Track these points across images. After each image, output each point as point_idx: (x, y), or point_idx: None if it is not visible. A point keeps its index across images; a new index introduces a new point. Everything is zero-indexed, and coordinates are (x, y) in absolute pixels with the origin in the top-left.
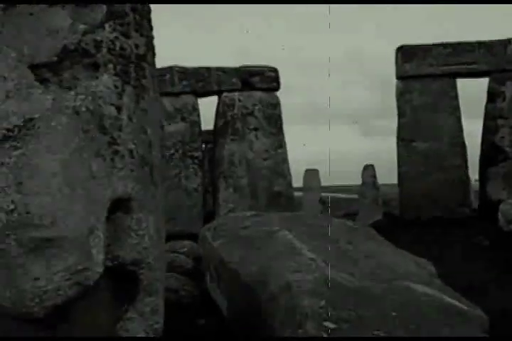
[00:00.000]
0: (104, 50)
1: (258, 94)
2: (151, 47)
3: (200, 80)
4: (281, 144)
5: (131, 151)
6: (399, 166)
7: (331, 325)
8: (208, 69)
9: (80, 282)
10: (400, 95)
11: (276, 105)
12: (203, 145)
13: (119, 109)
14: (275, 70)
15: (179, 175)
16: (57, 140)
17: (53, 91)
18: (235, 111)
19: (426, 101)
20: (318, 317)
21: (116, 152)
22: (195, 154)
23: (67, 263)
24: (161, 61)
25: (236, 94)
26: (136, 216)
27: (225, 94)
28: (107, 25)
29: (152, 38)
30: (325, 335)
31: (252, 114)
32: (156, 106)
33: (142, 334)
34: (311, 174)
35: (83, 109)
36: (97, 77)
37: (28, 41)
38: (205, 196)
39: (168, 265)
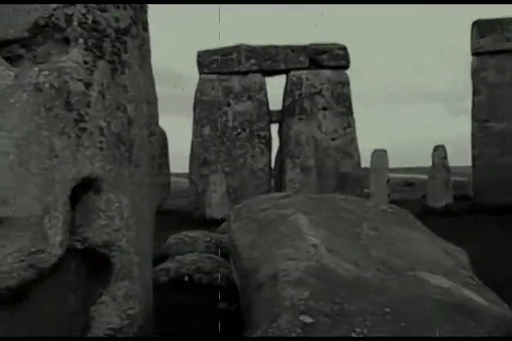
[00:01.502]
0: (75, 23)
1: (326, 72)
2: (138, 21)
3: (268, 59)
4: (350, 124)
5: (101, 129)
6: (473, 147)
7: (308, 319)
8: (276, 47)
9: (34, 264)
10: (475, 72)
11: (345, 84)
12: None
13: (88, 84)
14: (344, 48)
15: (245, 154)
16: (14, 117)
17: (18, 67)
18: (303, 90)
19: (502, 79)
20: (296, 310)
21: (83, 129)
22: (262, 134)
23: (20, 244)
24: (228, 39)
25: (304, 72)
26: (105, 196)
27: (292, 72)
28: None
29: (141, 10)
30: (298, 331)
31: (319, 93)
32: (142, 82)
33: (115, 319)
34: (380, 155)
35: (46, 85)
36: (67, 52)
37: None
38: (271, 175)
39: (215, 246)
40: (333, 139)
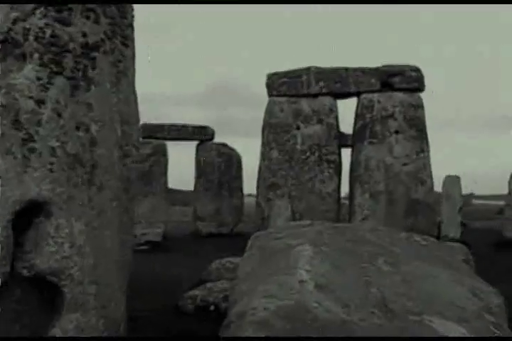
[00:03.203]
0: (31, 38)
1: (399, 95)
2: (114, 36)
3: (338, 81)
4: (423, 148)
5: (53, 149)
6: None
7: None
8: (346, 69)
9: None
10: None
11: (418, 106)
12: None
13: (40, 102)
14: (417, 69)
15: (314, 178)
16: None
17: None
18: (374, 113)
19: None
20: None
21: (32, 150)
22: (331, 158)
23: None
24: (298, 61)
25: (375, 95)
26: (56, 221)
27: (363, 95)
28: (37, 12)
29: (121, 24)
30: None
31: (392, 116)
32: (114, 101)
33: None
34: (452, 181)
35: None
36: (22, 69)
37: None
38: (339, 201)
39: None
40: (405, 164)
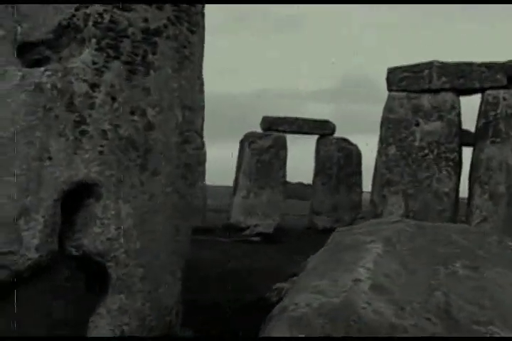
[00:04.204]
0: (90, 24)
1: None
2: (179, 22)
3: (461, 76)
4: None
5: (104, 132)
6: None
7: None
8: (470, 64)
9: (6, 265)
10: None
11: None
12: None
13: (94, 86)
14: None
15: (431, 177)
16: (6, 118)
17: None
18: (499, 110)
19: None
20: None
21: (84, 132)
22: (451, 156)
23: None
24: (421, 56)
25: (501, 91)
26: (103, 203)
27: (488, 91)
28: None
29: (189, 11)
30: None
31: None
32: (175, 86)
33: (108, 333)
34: None
35: (48, 85)
36: (81, 53)
37: (23, 18)
38: (457, 201)
39: None
40: None
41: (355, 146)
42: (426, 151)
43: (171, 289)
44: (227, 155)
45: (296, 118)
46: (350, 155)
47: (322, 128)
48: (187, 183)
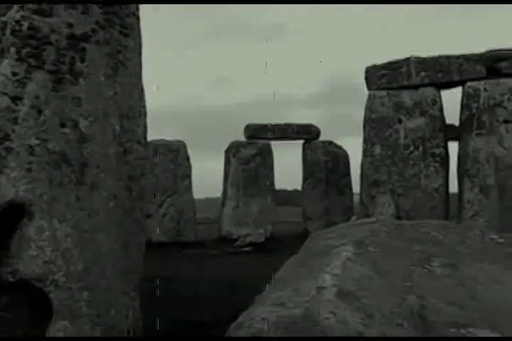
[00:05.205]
0: (8, 32)
1: (507, 81)
2: (110, 25)
3: (440, 70)
4: None
5: (31, 148)
6: None
7: None
8: (448, 57)
9: None
10: None
11: None
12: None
13: (16, 98)
14: None
15: (419, 174)
16: None
17: None
18: (481, 102)
19: None
20: None
21: (8, 149)
22: (437, 151)
23: None
24: (398, 52)
25: (481, 83)
26: (37, 224)
27: (468, 83)
28: (15, 5)
29: (120, 13)
30: None
31: (500, 104)
32: (110, 94)
33: None
34: None
35: None
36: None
37: None
38: (448, 197)
39: None
40: None
41: (342, 149)
42: (411, 148)
43: (125, 310)
44: (216, 166)
45: (279, 124)
46: (338, 157)
47: (307, 133)
48: (132, 196)
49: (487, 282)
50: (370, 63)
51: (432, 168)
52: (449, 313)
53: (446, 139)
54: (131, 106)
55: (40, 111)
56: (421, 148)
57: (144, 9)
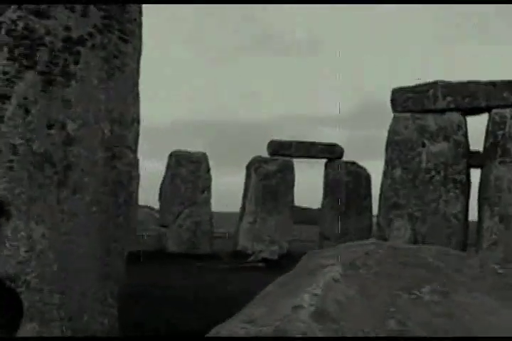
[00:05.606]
0: (3, 31)
1: None
2: (109, 30)
3: (467, 96)
4: None
5: (14, 147)
6: None
7: None
8: (476, 83)
9: None
10: None
11: None
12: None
13: (3, 97)
14: None
15: (438, 199)
16: None
17: None
18: (506, 129)
19: None
20: None
21: None
22: (458, 177)
23: None
24: (425, 76)
25: (507, 110)
26: (13, 223)
27: (494, 110)
28: (13, 5)
29: (120, 18)
30: None
31: None
32: (102, 98)
33: None
34: None
35: None
36: None
37: None
38: (467, 224)
39: None
40: None
41: (364, 169)
42: (433, 173)
43: (101, 317)
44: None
45: (303, 142)
46: (360, 178)
47: (330, 152)
48: (118, 202)
49: (478, 312)
50: (402, 85)
51: (452, 194)
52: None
53: (469, 166)
54: (124, 112)
55: (27, 111)
56: (442, 173)
57: (176, 19)
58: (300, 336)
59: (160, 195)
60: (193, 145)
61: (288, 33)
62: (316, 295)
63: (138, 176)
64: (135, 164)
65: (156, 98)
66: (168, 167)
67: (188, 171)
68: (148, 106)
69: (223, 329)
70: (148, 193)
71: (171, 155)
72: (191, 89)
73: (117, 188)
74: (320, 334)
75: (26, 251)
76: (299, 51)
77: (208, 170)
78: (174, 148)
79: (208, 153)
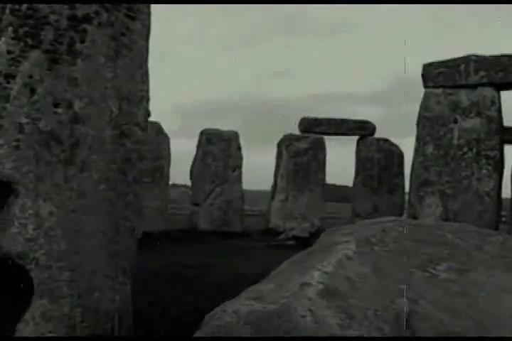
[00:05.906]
0: (7, 11)
1: None
2: (115, 8)
3: (500, 70)
4: None
5: (21, 126)
6: None
7: None
8: (510, 56)
9: None
10: None
11: None
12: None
13: (9, 76)
14: None
15: (470, 176)
16: None
17: None
18: None
19: None
20: None
21: None
22: (491, 154)
23: None
24: (456, 50)
25: None
26: (21, 201)
27: None
28: None
29: None
30: None
31: None
32: (109, 76)
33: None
34: None
35: None
36: None
37: None
38: (500, 201)
39: None
40: None
41: (397, 147)
42: (465, 149)
43: (112, 294)
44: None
45: (335, 119)
46: (392, 155)
47: (362, 129)
48: (127, 180)
49: (494, 290)
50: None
51: (484, 171)
52: (440, 321)
53: (502, 142)
54: (132, 90)
55: (33, 90)
56: (475, 150)
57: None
58: (305, 314)
59: (191, 173)
60: (224, 125)
61: (322, 15)
62: (326, 272)
63: (169, 155)
64: (144, 142)
65: (191, 77)
66: (199, 145)
67: (219, 149)
68: (184, 86)
69: (229, 306)
70: (186, 172)
71: (201, 134)
72: (225, 67)
73: (126, 166)
74: (326, 312)
75: (34, 229)
76: (333, 31)
77: (239, 148)
78: (205, 127)
79: (239, 132)
